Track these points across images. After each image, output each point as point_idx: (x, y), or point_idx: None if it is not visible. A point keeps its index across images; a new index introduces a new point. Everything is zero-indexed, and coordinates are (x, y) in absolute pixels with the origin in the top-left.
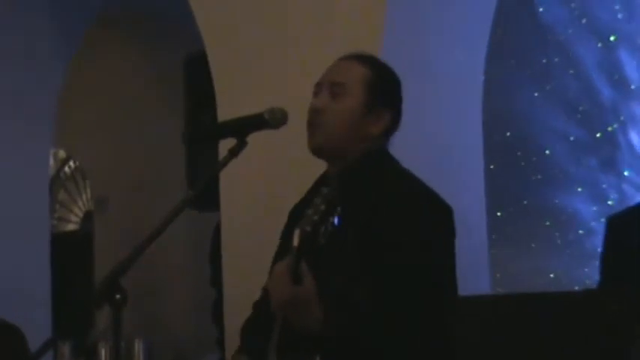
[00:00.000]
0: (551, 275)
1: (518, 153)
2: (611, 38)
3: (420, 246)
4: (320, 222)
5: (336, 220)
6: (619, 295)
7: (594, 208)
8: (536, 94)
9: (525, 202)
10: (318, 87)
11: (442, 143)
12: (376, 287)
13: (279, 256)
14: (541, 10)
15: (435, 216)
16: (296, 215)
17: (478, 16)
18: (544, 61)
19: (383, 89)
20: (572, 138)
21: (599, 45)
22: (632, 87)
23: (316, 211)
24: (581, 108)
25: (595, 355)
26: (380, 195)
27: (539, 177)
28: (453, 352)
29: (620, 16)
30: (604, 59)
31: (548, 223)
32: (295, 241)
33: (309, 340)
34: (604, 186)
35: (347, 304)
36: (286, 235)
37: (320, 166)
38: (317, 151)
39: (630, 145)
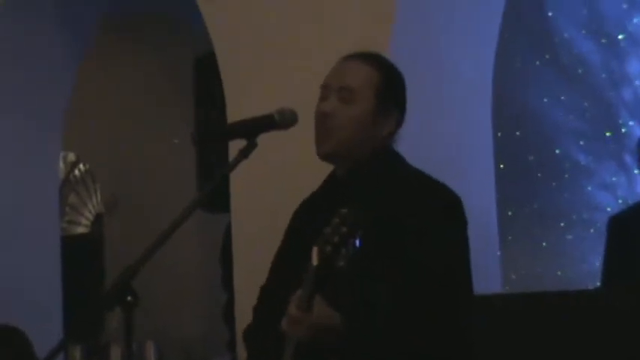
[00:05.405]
0: (559, 272)
1: (528, 152)
2: (620, 37)
3: (440, 246)
4: (340, 243)
5: (357, 243)
6: (630, 292)
7: (608, 209)
8: (545, 99)
9: (536, 201)
10: (326, 90)
11: (452, 143)
12: (397, 288)
13: (283, 254)
14: (550, 14)
15: (449, 212)
16: (305, 216)
17: (487, 17)
18: (548, 57)
19: (392, 91)
20: (582, 137)
21: (604, 41)
22: (637, 82)
23: (336, 232)
24: (588, 105)
25: (608, 353)
26: (396, 201)
27: (549, 176)
28: (471, 347)
29: (626, 14)
30: (611, 58)
31: (563, 225)
32: (314, 260)
33: (324, 352)
34: (615, 184)
35: (368, 308)
36: (293, 234)
37: (330, 167)
38: (326, 156)
39: None
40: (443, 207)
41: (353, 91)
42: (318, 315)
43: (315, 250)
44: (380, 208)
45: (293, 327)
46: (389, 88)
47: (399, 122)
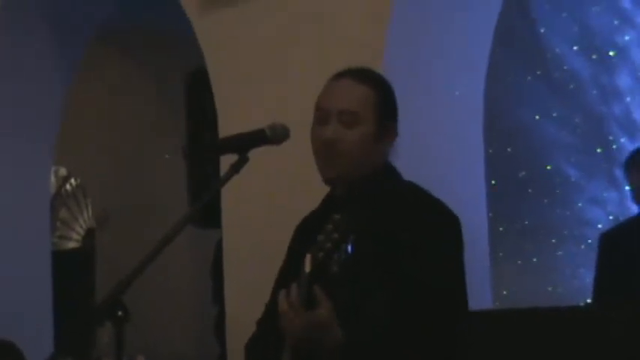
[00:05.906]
0: (550, 288)
1: (520, 168)
2: (610, 53)
3: (435, 260)
4: (333, 249)
5: (349, 248)
6: (622, 309)
7: (599, 225)
8: (536, 115)
9: (527, 217)
10: (324, 114)
11: (443, 158)
12: (393, 302)
13: (284, 271)
14: (541, 30)
15: (446, 228)
16: (304, 233)
17: (479, 33)
18: (539, 73)
19: (388, 106)
20: (573, 152)
21: (595, 57)
22: (628, 98)
23: (328, 238)
24: (579, 121)
25: None
26: (392, 215)
27: (540, 192)
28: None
29: (617, 30)
30: (602, 74)
31: (554, 241)
32: (307, 267)
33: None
34: (606, 199)
35: (367, 319)
36: (293, 251)
37: (322, 182)
38: (332, 181)
39: None
40: (439, 222)
41: (354, 115)
42: (320, 320)
43: (307, 257)
44: (377, 223)
45: (291, 325)
46: (386, 106)
47: (396, 133)
